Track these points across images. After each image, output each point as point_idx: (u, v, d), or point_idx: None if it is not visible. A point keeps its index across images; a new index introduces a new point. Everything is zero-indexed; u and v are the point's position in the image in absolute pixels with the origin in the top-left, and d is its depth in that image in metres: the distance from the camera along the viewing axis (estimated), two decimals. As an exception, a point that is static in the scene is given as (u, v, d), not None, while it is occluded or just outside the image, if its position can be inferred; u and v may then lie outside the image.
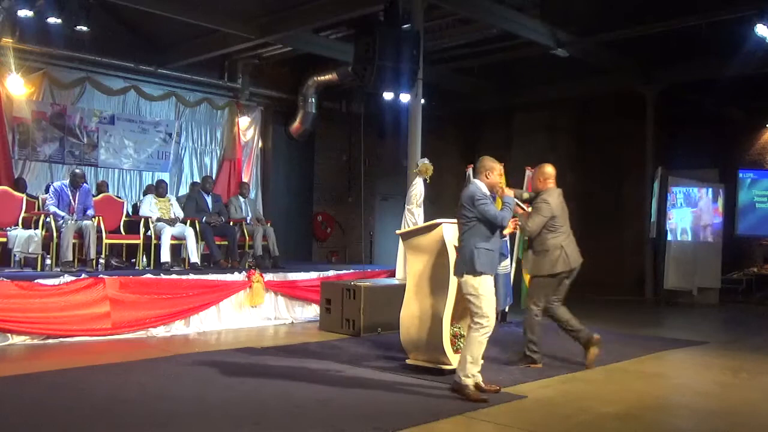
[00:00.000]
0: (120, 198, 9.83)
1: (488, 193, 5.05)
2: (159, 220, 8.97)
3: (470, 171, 8.91)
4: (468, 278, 4.94)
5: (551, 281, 6.02)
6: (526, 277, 8.66)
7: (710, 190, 12.71)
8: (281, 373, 5.61)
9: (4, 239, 8.05)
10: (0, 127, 9.74)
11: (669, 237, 12.10)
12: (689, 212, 12.48)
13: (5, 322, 6.57)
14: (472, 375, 4.92)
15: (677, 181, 12.39)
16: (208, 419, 4.30)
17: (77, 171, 8.75)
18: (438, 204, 11.75)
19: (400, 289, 5.91)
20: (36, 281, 6.93)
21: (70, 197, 8.36)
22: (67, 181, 8.51)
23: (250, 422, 4.22)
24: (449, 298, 5.59)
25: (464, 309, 5.90)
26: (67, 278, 7.12)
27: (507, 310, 9.01)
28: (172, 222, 8.97)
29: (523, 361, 6.03)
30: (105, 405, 4.59)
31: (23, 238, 7.87)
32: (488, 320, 4.90)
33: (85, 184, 8.77)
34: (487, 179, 5.08)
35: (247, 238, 9.75)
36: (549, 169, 6.15)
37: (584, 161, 14.06)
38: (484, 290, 4.91)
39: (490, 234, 4.97)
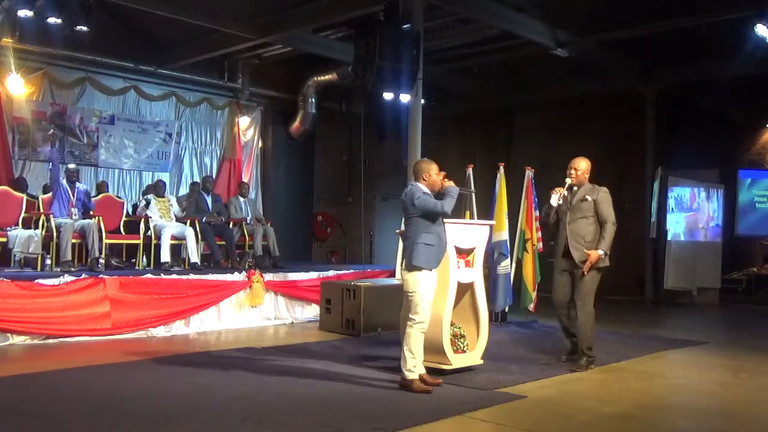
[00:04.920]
0: (120, 198, 9.84)
1: (430, 193, 5.25)
2: (147, 204, 9.04)
3: (470, 171, 8.93)
4: (405, 274, 5.18)
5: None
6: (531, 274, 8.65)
7: (703, 191, 12.74)
8: (281, 373, 5.61)
9: (4, 239, 8.05)
10: (0, 127, 9.75)
11: (669, 236, 12.12)
12: (682, 217, 12.50)
13: (5, 322, 6.58)
14: (414, 368, 5.10)
15: (677, 181, 12.39)
16: (208, 419, 4.30)
17: (71, 166, 8.80)
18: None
19: (400, 289, 5.88)
20: (36, 281, 6.94)
21: (69, 193, 8.39)
22: (63, 180, 8.53)
23: (251, 422, 4.22)
24: (449, 298, 5.60)
25: (464, 309, 5.94)
26: (67, 278, 7.12)
27: (507, 310, 9.01)
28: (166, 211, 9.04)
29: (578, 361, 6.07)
30: (105, 405, 4.59)
31: (23, 238, 7.87)
32: (420, 316, 5.10)
33: (80, 185, 8.76)
34: (426, 180, 5.30)
35: (247, 238, 9.75)
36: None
37: (584, 161, 14.04)
38: (419, 287, 5.11)
39: (432, 224, 5.18)
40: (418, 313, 5.11)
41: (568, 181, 6.17)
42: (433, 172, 5.31)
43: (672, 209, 12.35)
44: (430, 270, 5.18)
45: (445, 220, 5.44)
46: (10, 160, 9.83)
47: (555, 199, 6.14)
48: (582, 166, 6.20)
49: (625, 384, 5.62)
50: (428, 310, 5.18)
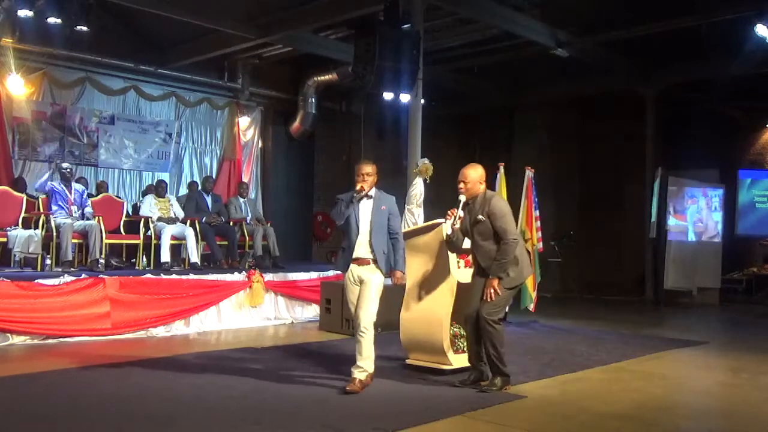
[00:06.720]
0: (120, 198, 9.84)
1: (349, 197, 5.17)
2: (159, 219, 8.98)
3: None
4: None
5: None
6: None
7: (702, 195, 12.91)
8: (281, 373, 5.61)
9: (4, 239, 8.04)
10: (0, 127, 9.74)
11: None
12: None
13: (5, 322, 6.59)
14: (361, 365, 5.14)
15: (678, 182, 12.40)
16: (208, 419, 4.30)
17: (64, 165, 8.75)
18: (438, 204, 11.73)
19: (400, 289, 5.90)
20: (36, 281, 6.95)
21: (66, 192, 8.38)
22: (55, 182, 8.50)
23: (250, 422, 4.22)
24: (449, 298, 5.60)
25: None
26: (67, 278, 7.13)
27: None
28: (171, 221, 8.98)
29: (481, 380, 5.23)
30: (105, 405, 4.59)
31: (23, 238, 7.86)
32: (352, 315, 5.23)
33: (77, 185, 8.74)
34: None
35: (247, 238, 9.74)
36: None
37: (584, 161, 14.05)
38: (345, 288, 5.25)
39: (346, 229, 5.21)
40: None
41: (462, 198, 5.15)
42: (358, 174, 5.21)
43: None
44: (344, 274, 5.21)
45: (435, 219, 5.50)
46: (10, 160, 9.84)
47: (448, 227, 5.13)
48: (471, 175, 5.16)
49: (625, 384, 5.62)
50: (352, 311, 5.20)
